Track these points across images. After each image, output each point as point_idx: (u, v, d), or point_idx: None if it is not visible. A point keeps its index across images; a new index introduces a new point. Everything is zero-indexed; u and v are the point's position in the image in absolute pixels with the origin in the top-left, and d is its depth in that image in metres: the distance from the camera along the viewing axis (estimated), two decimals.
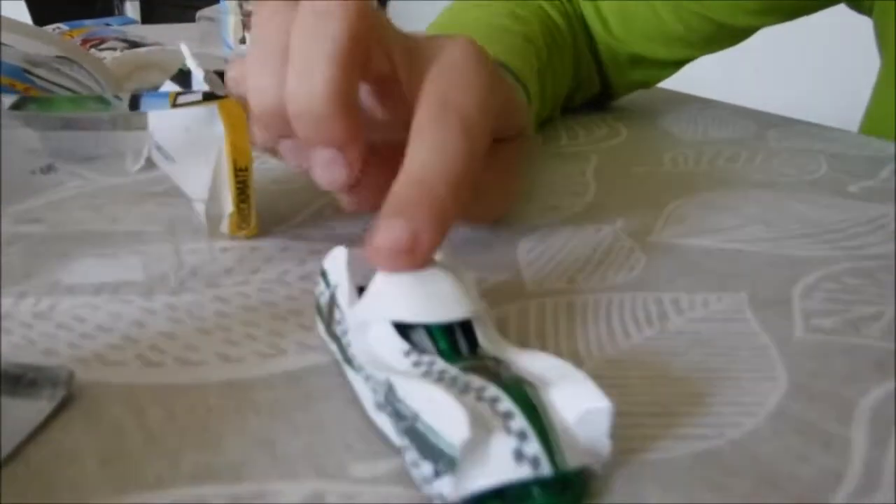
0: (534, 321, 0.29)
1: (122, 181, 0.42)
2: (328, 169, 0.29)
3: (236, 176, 0.34)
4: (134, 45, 0.69)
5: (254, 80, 0.30)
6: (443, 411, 0.19)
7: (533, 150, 0.39)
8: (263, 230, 0.36)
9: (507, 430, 0.20)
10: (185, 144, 0.36)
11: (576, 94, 0.61)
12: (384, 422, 0.22)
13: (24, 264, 0.31)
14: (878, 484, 0.21)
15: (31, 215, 0.37)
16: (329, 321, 0.26)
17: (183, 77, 0.38)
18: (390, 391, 0.21)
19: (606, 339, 0.28)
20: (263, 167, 0.44)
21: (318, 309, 0.27)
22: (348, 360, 0.24)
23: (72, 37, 0.66)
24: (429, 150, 0.27)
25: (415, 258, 0.24)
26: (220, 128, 0.33)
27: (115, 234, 0.34)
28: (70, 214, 0.38)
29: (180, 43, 0.42)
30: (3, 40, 0.48)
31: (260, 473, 0.21)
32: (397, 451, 0.22)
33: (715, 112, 0.64)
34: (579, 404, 0.20)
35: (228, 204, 0.34)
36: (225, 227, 0.35)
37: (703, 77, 0.98)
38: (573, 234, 0.37)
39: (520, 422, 0.20)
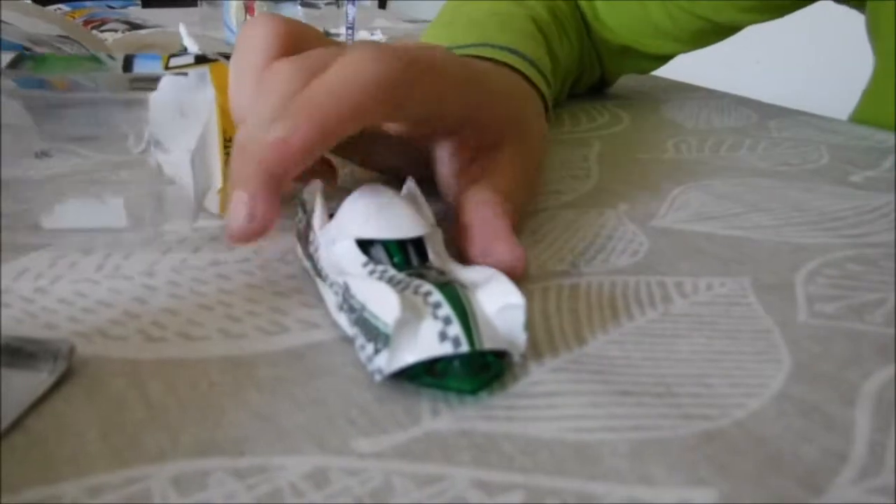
0: (537, 303, 0.29)
1: (123, 159, 0.42)
2: (234, 209, 0.27)
3: (225, 147, 0.33)
4: (135, 27, 0.68)
5: (232, 92, 0.32)
6: (382, 299, 0.23)
7: (537, 153, 0.38)
8: None
9: (435, 317, 0.23)
10: (180, 131, 0.35)
11: (582, 78, 0.61)
12: (343, 320, 0.26)
13: (7, 213, 0.31)
14: (882, 466, 0.21)
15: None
16: (305, 243, 0.30)
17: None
18: (346, 291, 0.25)
19: (610, 320, 0.28)
20: None
21: (297, 233, 0.31)
22: (318, 273, 0.28)
23: (73, 18, 0.66)
24: (251, 122, 0.28)
25: (255, 225, 0.26)
26: (210, 92, 0.32)
27: (100, 182, 0.33)
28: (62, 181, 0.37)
29: (179, 24, 0.42)
30: (5, 18, 0.48)
31: (262, 448, 0.21)
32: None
33: (716, 101, 0.64)
34: (499, 300, 0.24)
35: (217, 179, 0.33)
36: (214, 205, 0.34)
37: (704, 67, 0.98)
38: (576, 218, 0.37)
39: (446, 310, 0.23)
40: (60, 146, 0.43)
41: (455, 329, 0.23)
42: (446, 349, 0.23)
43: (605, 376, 0.24)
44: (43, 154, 0.35)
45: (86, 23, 0.66)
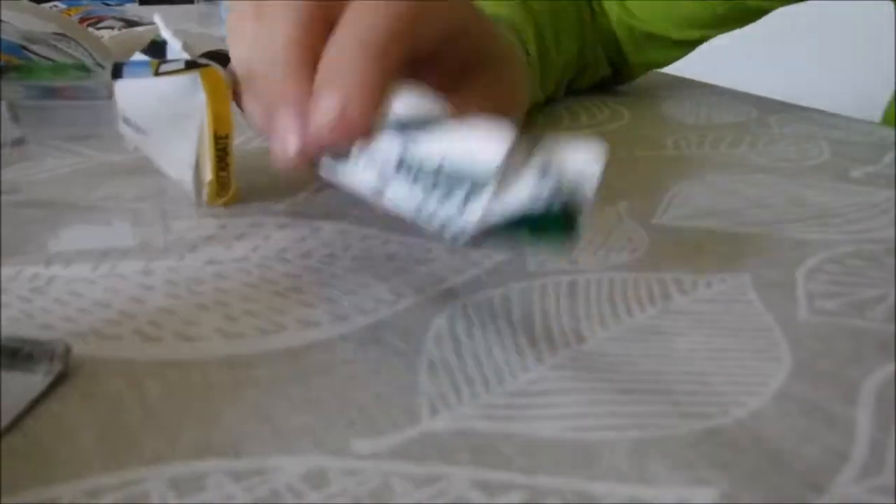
0: (537, 301, 0.29)
1: (119, 158, 0.42)
2: (283, 136, 0.28)
3: (216, 143, 0.33)
4: (132, 24, 0.68)
5: (232, 38, 0.31)
6: (479, 139, 0.24)
7: (521, 76, 0.40)
8: (264, 208, 0.36)
9: (533, 165, 0.23)
10: (159, 116, 0.35)
11: (583, 75, 0.61)
12: (393, 194, 0.25)
13: (13, 234, 0.31)
14: (883, 465, 0.21)
15: (9, 185, 0.36)
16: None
17: (156, 48, 0.38)
18: (402, 161, 0.25)
19: (610, 317, 0.28)
20: (265, 144, 0.44)
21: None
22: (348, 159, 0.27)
23: (70, 15, 0.66)
24: (348, 21, 0.28)
25: (349, 126, 0.26)
26: (201, 97, 0.32)
27: (103, 202, 0.33)
28: (54, 186, 0.37)
29: (154, 14, 0.42)
30: (2, 17, 0.48)
31: (259, 449, 0.21)
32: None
33: (717, 97, 0.64)
34: (582, 158, 0.24)
35: (208, 172, 0.34)
36: (204, 195, 0.35)
37: (704, 62, 0.98)
38: None
39: (542, 160, 0.24)
40: (58, 145, 0.43)
41: (552, 181, 0.23)
42: (544, 196, 0.23)
43: (605, 374, 0.24)
44: (19, 142, 0.35)
45: (82, 20, 0.66)
